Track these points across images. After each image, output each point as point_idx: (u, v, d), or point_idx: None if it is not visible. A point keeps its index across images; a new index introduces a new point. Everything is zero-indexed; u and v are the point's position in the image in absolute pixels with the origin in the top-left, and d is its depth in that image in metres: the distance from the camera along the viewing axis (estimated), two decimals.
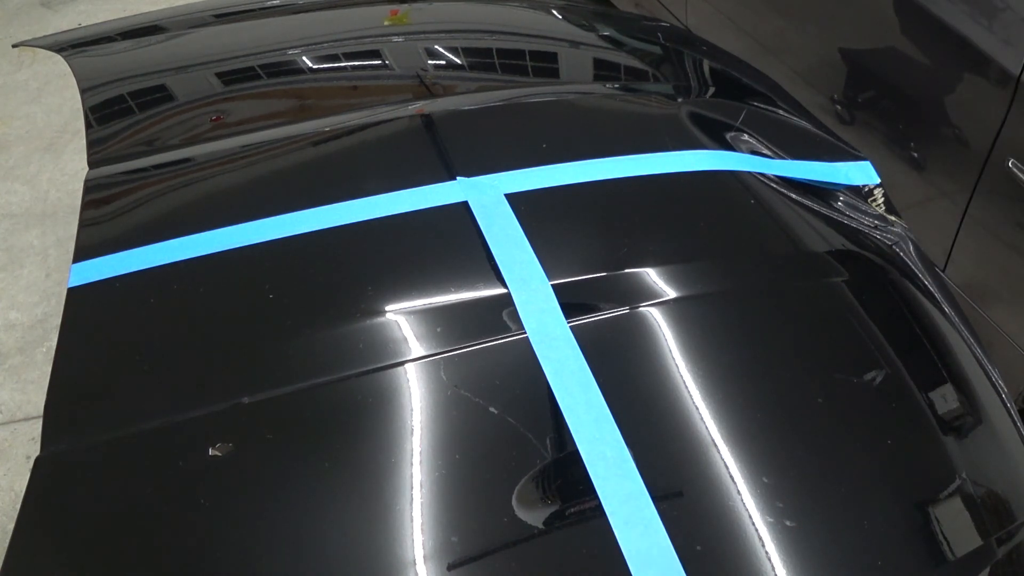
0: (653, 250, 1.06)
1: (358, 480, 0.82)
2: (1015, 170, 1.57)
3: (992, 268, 1.72)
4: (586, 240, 1.07)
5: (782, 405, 0.94)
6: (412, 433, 0.86)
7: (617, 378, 0.91)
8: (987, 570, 0.89)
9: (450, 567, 0.78)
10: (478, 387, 0.89)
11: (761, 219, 1.17)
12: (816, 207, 1.24)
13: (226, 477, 0.83)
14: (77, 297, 0.99)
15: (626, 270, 1.03)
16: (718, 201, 1.19)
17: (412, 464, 0.83)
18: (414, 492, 0.82)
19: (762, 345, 1.00)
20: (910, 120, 1.85)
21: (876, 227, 1.27)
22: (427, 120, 1.26)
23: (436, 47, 1.62)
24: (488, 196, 1.08)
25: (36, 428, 2.15)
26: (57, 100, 3.37)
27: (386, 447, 0.85)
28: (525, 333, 0.94)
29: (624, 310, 0.98)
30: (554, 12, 1.80)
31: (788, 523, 0.83)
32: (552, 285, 0.98)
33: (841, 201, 1.30)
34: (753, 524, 0.82)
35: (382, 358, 0.91)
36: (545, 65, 1.56)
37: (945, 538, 0.88)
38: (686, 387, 0.92)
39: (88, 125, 1.33)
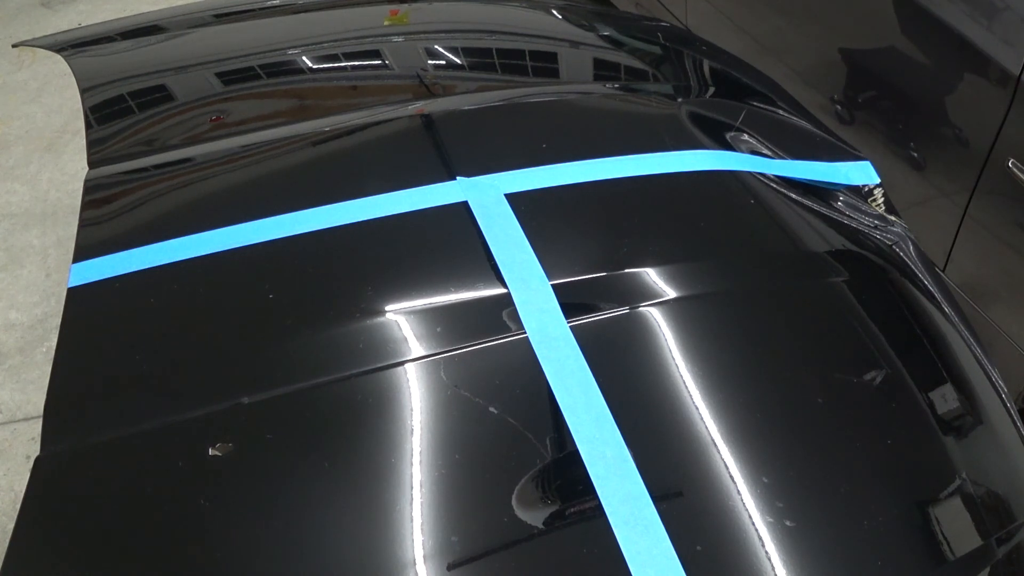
0: (653, 250, 1.06)
1: (358, 480, 0.82)
2: (1015, 170, 1.57)
3: (992, 268, 1.72)
4: (586, 240, 1.07)
5: (782, 405, 0.94)
6: (412, 433, 0.86)
7: (617, 378, 0.91)
8: (987, 570, 0.89)
9: (450, 567, 0.78)
10: (478, 387, 0.89)
11: (761, 219, 1.17)
12: (816, 207, 1.24)
13: (226, 477, 0.83)
14: (77, 297, 0.99)
15: (626, 270, 1.03)
16: (718, 201, 1.19)
17: (412, 464, 0.83)
18: (414, 492, 0.82)
19: (762, 345, 1.00)
20: (910, 120, 1.85)
21: (876, 227, 1.27)
22: (427, 120, 1.26)
23: (436, 47, 1.62)
24: (488, 196, 1.08)
25: (36, 428, 2.15)
26: (57, 100, 3.37)
27: (386, 447, 0.85)
28: (525, 333, 0.94)
29: (624, 310, 0.98)
30: (554, 12, 1.80)
31: (788, 523, 0.83)
32: (552, 285, 0.98)
33: (841, 201, 1.30)
34: (753, 524, 0.82)
35: (382, 358, 0.91)
36: (545, 65, 1.56)
37: (945, 538, 0.88)
38: (686, 387, 0.92)
39: (88, 125, 1.33)
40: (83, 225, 1.09)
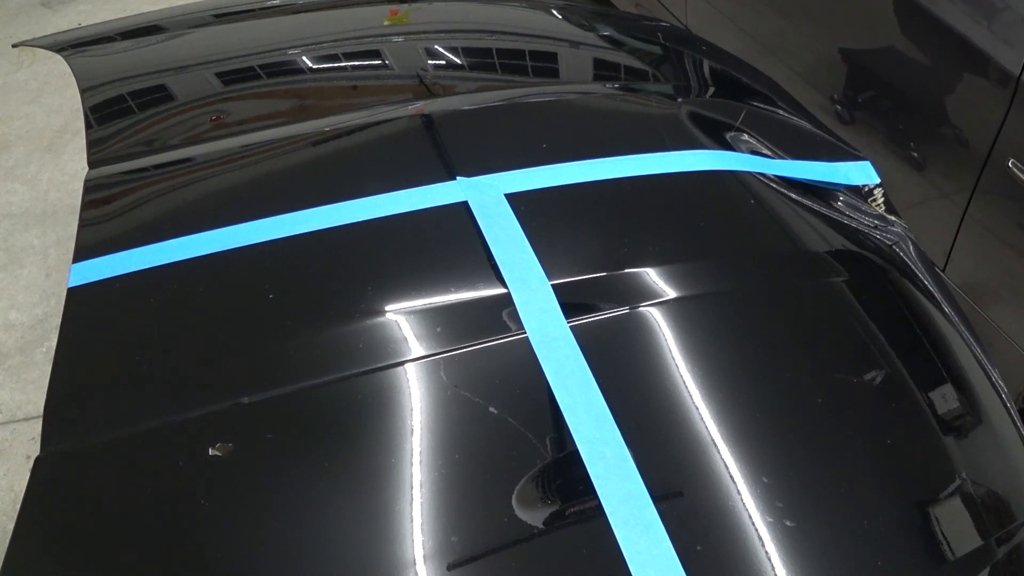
0: (653, 250, 1.06)
1: (358, 480, 0.82)
2: (1015, 170, 1.57)
3: (992, 268, 1.72)
4: (586, 240, 1.07)
5: (782, 405, 0.94)
6: (412, 433, 0.86)
7: (617, 378, 0.91)
8: (987, 570, 0.89)
9: (450, 567, 0.78)
10: (478, 387, 0.89)
11: (761, 219, 1.17)
12: (816, 207, 1.24)
13: (226, 477, 0.83)
14: (77, 297, 0.99)
15: (626, 270, 1.03)
16: (718, 201, 1.19)
17: (412, 464, 0.83)
18: (414, 492, 0.82)
19: (762, 345, 1.00)
20: (910, 120, 1.85)
21: (876, 227, 1.27)
22: (427, 120, 1.26)
23: (436, 47, 1.62)
24: (488, 196, 1.08)
25: (36, 428, 2.15)
26: (57, 100, 3.37)
27: (386, 447, 0.85)
28: (525, 333, 0.94)
29: (624, 310, 0.98)
30: (554, 12, 1.80)
31: (788, 523, 0.83)
32: (552, 285, 0.98)
33: (841, 201, 1.30)
34: (753, 524, 0.82)
35: (382, 358, 0.91)
36: (545, 65, 1.56)
37: (945, 538, 0.88)
38: (686, 387, 0.92)
39: (88, 125, 1.33)
40: (83, 225, 1.09)
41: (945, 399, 1.02)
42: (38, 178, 2.98)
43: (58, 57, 1.61)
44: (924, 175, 1.82)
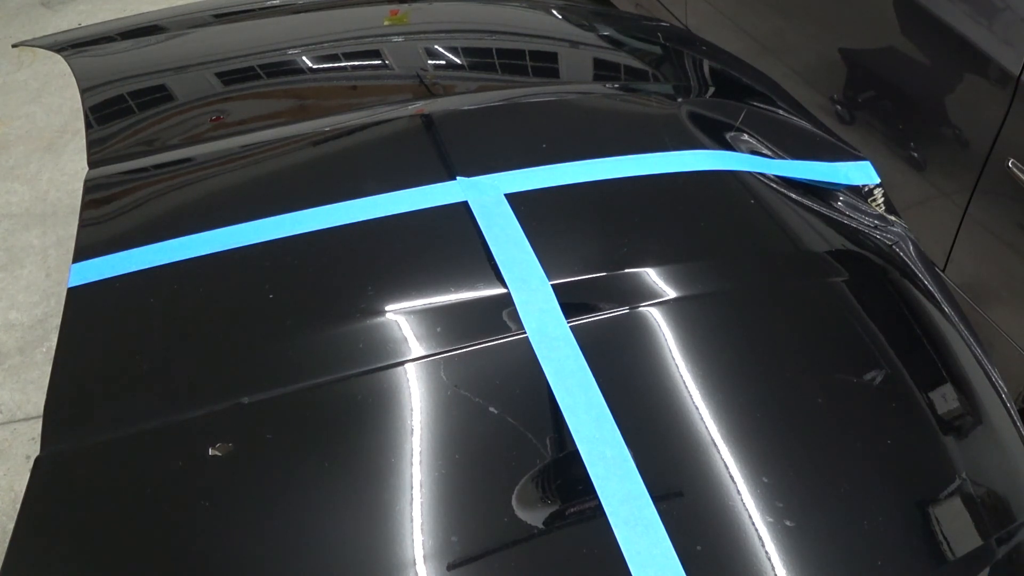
0: (653, 250, 1.06)
1: (358, 480, 0.82)
2: (1015, 170, 1.57)
3: (992, 268, 1.72)
4: (586, 240, 1.07)
5: (782, 405, 0.94)
6: (412, 433, 0.86)
7: (617, 378, 0.91)
8: (987, 570, 0.89)
9: (450, 567, 0.78)
10: (478, 387, 0.89)
11: (761, 219, 1.17)
12: (816, 207, 1.24)
13: (226, 477, 0.83)
14: (77, 297, 0.99)
15: (626, 270, 1.03)
16: (718, 201, 1.19)
17: (412, 464, 0.83)
18: (414, 492, 0.82)
19: (762, 345, 1.00)
20: (910, 120, 1.85)
21: (876, 227, 1.27)
22: (427, 120, 1.26)
23: (436, 47, 1.62)
24: (488, 196, 1.08)
25: (36, 428, 2.15)
26: (57, 100, 3.37)
27: (386, 447, 0.85)
28: (525, 333, 0.94)
29: (624, 310, 0.98)
30: (554, 12, 1.80)
31: (788, 523, 0.83)
32: (552, 285, 0.98)
33: (841, 201, 1.30)
34: (753, 524, 0.82)
35: (382, 358, 0.91)
36: (545, 65, 1.56)
37: (945, 538, 0.88)
38: (686, 387, 0.92)
39: (88, 125, 1.33)
40: (83, 225, 1.09)
41: (945, 399, 1.02)
42: (38, 178, 2.98)
43: (58, 57, 1.61)
44: (924, 175, 1.82)
